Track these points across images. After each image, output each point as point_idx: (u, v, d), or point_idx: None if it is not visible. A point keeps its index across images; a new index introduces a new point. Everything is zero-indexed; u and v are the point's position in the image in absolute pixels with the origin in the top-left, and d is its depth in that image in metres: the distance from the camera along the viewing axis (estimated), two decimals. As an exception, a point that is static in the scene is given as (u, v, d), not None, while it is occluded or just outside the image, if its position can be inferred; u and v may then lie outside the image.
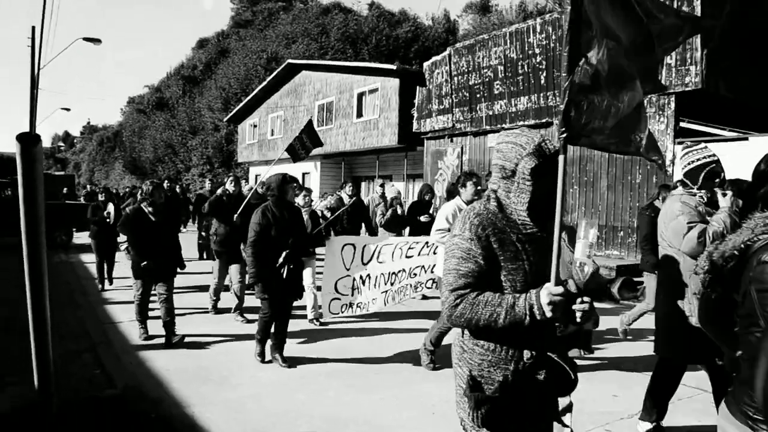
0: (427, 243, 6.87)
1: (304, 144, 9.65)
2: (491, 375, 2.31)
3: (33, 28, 22.78)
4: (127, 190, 27.42)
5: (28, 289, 2.88)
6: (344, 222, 9.63)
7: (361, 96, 23.38)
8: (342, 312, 6.62)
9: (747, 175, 8.21)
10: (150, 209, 6.79)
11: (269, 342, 6.13)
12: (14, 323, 7.59)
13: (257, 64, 38.69)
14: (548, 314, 2.14)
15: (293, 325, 6.69)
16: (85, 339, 6.89)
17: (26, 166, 2.36)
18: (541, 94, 15.45)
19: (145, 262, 6.64)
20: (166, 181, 15.22)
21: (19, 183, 2.44)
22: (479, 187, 5.81)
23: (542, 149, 2.32)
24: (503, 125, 16.57)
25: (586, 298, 2.24)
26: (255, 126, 32.58)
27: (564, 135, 2.29)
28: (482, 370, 2.33)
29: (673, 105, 12.57)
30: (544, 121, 15.38)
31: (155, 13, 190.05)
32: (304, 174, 27.32)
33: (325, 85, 25.68)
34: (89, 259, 13.10)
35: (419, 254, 6.88)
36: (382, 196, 11.08)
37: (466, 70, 17.74)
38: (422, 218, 9.32)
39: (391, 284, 6.76)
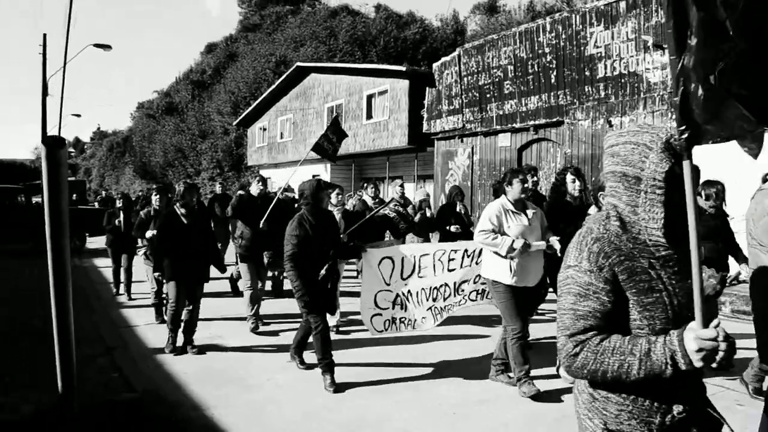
0: (466, 251, 6.38)
1: (331, 141, 9.33)
2: (633, 429, 1.90)
3: (45, 35, 22.94)
4: (140, 194, 27.48)
5: (53, 293, 2.89)
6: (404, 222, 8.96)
7: (370, 98, 23.37)
8: (386, 329, 6.06)
9: (757, 172, 8.03)
10: (183, 211, 6.58)
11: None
12: (14, 326, 7.64)
13: (266, 67, 38.75)
14: (697, 364, 1.69)
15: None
16: (100, 343, 6.90)
17: (52, 169, 2.37)
18: (552, 93, 15.39)
19: (177, 266, 6.44)
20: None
21: (44, 186, 2.45)
22: (526, 185, 5.44)
23: (673, 147, 1.92)
24: (514, 125, 16.53)
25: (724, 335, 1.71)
26: (264, 129, 32.64)
27: (685, 134, 1.84)
28: (621, 424, 1.91)
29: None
30: (554, 120, 15.32)
31: (163, 19, 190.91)
32: (313, 176, 27.29)
33: (335, 88, 25.69)
34: (103, 264, 13.17)
35: (461, 266, 6.37)
36: (402, 196, 10.81)
37: (475, 71, 17.70)
38: (452, 228, 8.76)
39: (434, 299, 6.23)
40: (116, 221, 9.92)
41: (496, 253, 5.30)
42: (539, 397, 5.12)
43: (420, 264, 6.14)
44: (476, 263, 6.38)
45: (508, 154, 16.96)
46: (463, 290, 6.40)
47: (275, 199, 8.24)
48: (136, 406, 4.80)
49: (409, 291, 6.07)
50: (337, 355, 6.37)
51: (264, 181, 8.33)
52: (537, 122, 15.81)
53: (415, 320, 6.14)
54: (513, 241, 5.17)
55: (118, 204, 10.36)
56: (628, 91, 13.56)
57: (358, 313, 6.41)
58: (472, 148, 18.10)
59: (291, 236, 5.43)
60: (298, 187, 5.91)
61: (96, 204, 19.63)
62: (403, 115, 21.17)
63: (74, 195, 24.08)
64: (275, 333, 7.55)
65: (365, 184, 10.37)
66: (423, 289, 6.14)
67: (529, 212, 5.44)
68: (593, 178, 14.02)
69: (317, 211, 5.64)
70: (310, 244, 5.47)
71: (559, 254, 5.18)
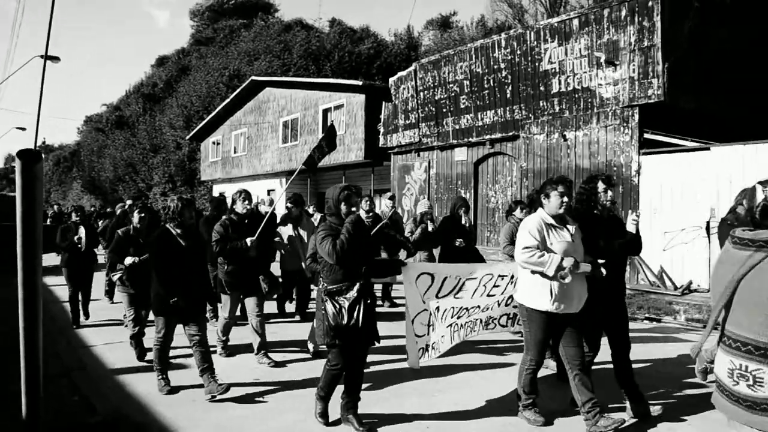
0: (513, 277, 5.49)
1: (323, 152, 8.38)
2: None
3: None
4: (93, 210, 26.71)
5: (21, 313, 2.76)
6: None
7: (326, 112, 23.35)
8: (421, 358, 5.25)
9: (710, 184, 8.29)
10: (178, 231, 5.64)
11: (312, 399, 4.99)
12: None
13: (219, 81, 38.41)
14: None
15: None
16: (57, 364, 6.66)
17: (26, 184, 2.27)
18: (507, 108, 15.63)
19: (174, 299, 5.46)
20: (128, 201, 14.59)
21: (18, 201, 2.35)
22: (565, 199, 4.68)
23: None
24: (470, 139, 16.72)
25: None
26: (218, 143, 32.29)
27: None
28: None
29: (637, 117, 12.83)
30: (510, 134, 15.55)
31: (112, 31, 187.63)
32: (269, 191, 27.12)
33: (290, 102, 25.60)
34: (54, 282, 12.74)
35: (503, 292, 5.59)
36: (393, 209, 10.01)
37: (432, 85, 17.87)
38: (457, 242, 8.02)
39: (458, 317, 5.45)
40: (75, 238, 8.97)
41: (539, 273, 4.63)
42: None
43: (462, 286, 5.38)
44: (513, 285, 5.52)
45: (464, 168, 17.12)
46: (488, 307, 5.64)
47: (267, 217, 7.44)
48: (101, 429, 4.63)
49: (437, 307, 5.31)
50: (294, 369, 6.28)
51: (249, 197, 7.12)
52: (493, 136, 16.02)
53: (439, 342, 5.36)
54: (562, 259, 4.52)
55: (74, 218, 9.39)
56: (581, 105, 13.86)
57: None
58: (429, 162, 18.22)
59: (328, 253, 4.53)
60: (326, 194, 4.92)
61: (48, 220, 18.95)
62: (359, 129, 21.20)
63: (21, 211, 23.36)
64: (239, 351, 7.39)
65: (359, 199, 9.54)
66: (452, 306, 5.40)
67: (570, 227, 4.78)
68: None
69: (343, 222, 4.70)
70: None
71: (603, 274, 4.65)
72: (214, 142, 32.74)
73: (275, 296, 9.29)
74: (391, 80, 19.88)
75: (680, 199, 11.94)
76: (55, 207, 24.08)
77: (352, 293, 4.57)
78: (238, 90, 29.49)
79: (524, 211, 7.26)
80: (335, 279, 4.61)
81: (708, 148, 11.64)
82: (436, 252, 9.10)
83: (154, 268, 5.66)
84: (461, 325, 5.53)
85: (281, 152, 26.08)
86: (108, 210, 22.69)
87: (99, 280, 10.06)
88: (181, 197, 5.86)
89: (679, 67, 12.42)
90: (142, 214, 7.24)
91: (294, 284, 9.96)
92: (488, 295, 5.53)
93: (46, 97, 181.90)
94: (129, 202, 10.41)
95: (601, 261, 4.69)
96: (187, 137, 36.12)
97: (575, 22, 13.92)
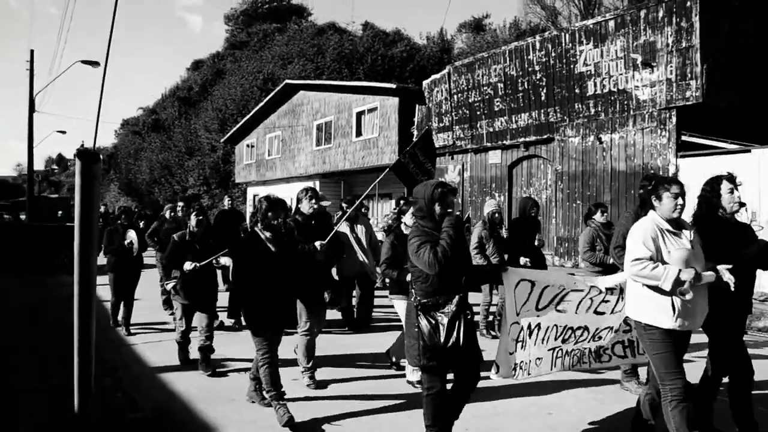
0: (623, 291, 4.62)
1: (419, 162, 6.87)
2: None
3: (32, 51, 22.84)
4: (135, 211, 26.67)
5: (76, 310, 2.87)
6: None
7: (360, 115, 23.47)
8: (512, 375, 4.49)
9: (751, 186, 8.15)
10: (268, 234, 5.02)
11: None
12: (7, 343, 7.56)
13: (253, 84, 38.81)
14: None
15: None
16: (100, 362, 6.81)
17: (85, 183, 2.36)
18: (542, 111, 15.55)
19: (263, 316, 4.86)
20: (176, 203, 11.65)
21: (77, 200, 2.44)
22: (680, 201, 4.07)
23: None
24: (504, 141, 16.67)
25: None
26: (252, 146, 32.63)
27: None
28: None
29: (674, 119, 12.68)
30: (545, 137, 15.47)
31: (147, 36, 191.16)
32: (191, 202, 27.15)
33: (324, 105, 25.78)
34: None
35: (612, 311, 4.70)
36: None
37: (465, 88, 17.86)
38: (522, 260, 7.25)
39: (563, 341, 4.63)
40: (125, 242, 8.28)
41: (653, 288, 3.98)
42: None
43: (564, 297, 4.58)
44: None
45: (498, 170, 17.07)
46: (601, 338, 4.76)
47: (343, 217, 6.85)
48: (144, 425, 4.75)
49: (537, 325, 4.50)
50: (345, 372, 6.31)
51: (317, 195, 6.35)
52: (527, 139, 15.97)
53: (531, 363, 4.54)
54: (679, 271, 3.85)
55: (122, 220, 8.69)
56: (617, 108, 13.74)
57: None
58: (463, 165, 18.21)
59: (426, 262, 3.90)
60: (413, 192, 4.34)
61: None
62: (392, 132, 21.26)
63: (60, 212, 23.84)
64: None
65: (399, 200, 8.61)
66: (556, 325, 4.58)
67: (688, 232, 4.15)
68: (587, 193, 14.14)
69: (437, 226, 4.07)
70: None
71: (732, 287, 3.96)
72: (248, 145, 33.10)
73: (340, 307, 8.56)
74: (425, 83, 19.92)
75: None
76: (102, 207, 23.41)
77: (451, 307, 3.97)
78: (272, 93, 29.79)
79: (605, 214, 6.77)
80: (430, 291, 4.02)
81: (748, 150, 11.44)
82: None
83: (239, 278, 5.14)
84: (567, 352, 4.66)
85: (315, 155, 26.26)
86: (146, 212, 22.79)
87: (143, 284, 9.66)
88: (267, 196, 5.17)
89: (717, 67, 12.24)
90: (200, 217, 6.59)
91: (352, 291, 9.17)
92: (596, 312, 4.67)
93: (84, 101, 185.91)
94: (180, 204, 9.83)
95: (726, 267, 4.01)
96: (222, 140, 36.59)
97: (611, 23, 13.80)
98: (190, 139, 43.04)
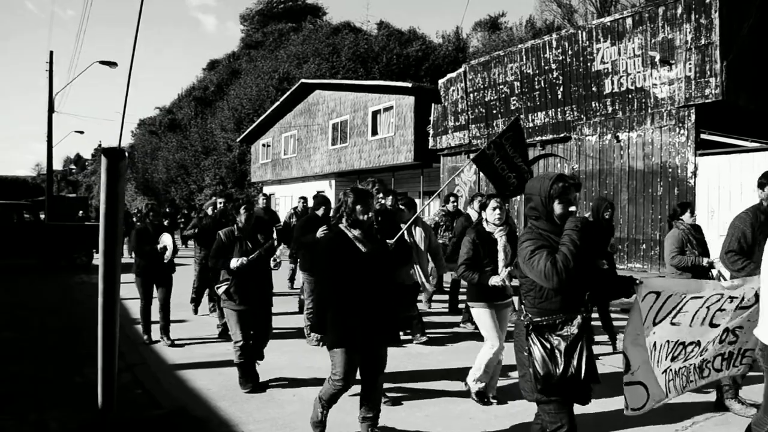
0: (743, 298, 4.04)
1: (506, 156, 5.92)
2: None
3: (51, 53, 23.06)
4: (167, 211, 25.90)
5: (101, 306, 2.90)
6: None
7: (375, 114, 23.49)
8: (641, 407, 3.71)
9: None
10: (356, 233, 4.29)
11: None
12: (24, 342, 7.65)
13: (269, 84, 39.00)
14: None
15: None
16: (119, 360, 6.87)
17: (111, 180, 2.38)
18: (559, 109, 15.48)
19: (348, 328, 4.15)
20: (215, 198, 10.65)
21: (102, 197, 2.46)
22: None
23: None
24: (521, 140, 16.59)
25: None
26: (268, 146, 32.78)
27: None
28: None
29: (693, 117, 12.58)
30: (561, 135, 15.39)
31: (162, 36, 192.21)
32: (318, 192, 27.40)
33: (339, 104, 25.83)
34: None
35: (729, 321, 4.08)
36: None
37: (481, 87, 17.81)
38: (602, 264, 6.45)
39: (673, 358, 3.89)
40: (159, 247, 7.49)
41: None
42: None
43: (683, 307, 3.86)
44: (748, 320, 4.10)
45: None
46: (706, 350, 4.06)
47: (418, 212, 6.37)
48: (165, 422, 4.79)
49: (653, 343, 3.76)
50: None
51: (385, 188, 5.87)
52: (544, 138, 15.89)
53: (654, 388, 3.79)
54: None
55: (151, 219, 7.81)
56: (635, 106, 13.64)
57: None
58: (479, 164, 18.15)
59: (557, 269, 3.12)
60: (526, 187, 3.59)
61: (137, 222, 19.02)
62: (408, 131, 21.27)
63: (80, 211, 24.05)
64: (292, 351, 7.51)
65: (449, 197, 7.88)
66: (668, 341, 3.85)
67: None
68: (604, 191, 14.06)
69: (557, 228, 3.35)
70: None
71: None
72: (264, 144, 33.26)
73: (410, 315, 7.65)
74: (441, 82, 19.90)
75: (738, 200, 11.63)
76: (141, 207, 22.63)
77: (571, 330, 3.26)
78: (288, 93, 29.91)
79: (693, 215, 6.16)
80: (546, 308, 3.31)
81: (768, 149, 11.34)
82: None
83: (322, 282, 4.38)
84: (676, 372, 3.92)
85: (331, 154, 26.32)
86: (167, 209, 22.58)
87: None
88: (354, 188, 4.52)
89: (737, 65, 12.12)
90: (250, 212, 5.89)
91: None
92: (711, 325, 4.01)
93: (102, 101, 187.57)
94: (220, 200, 9.23)
95: None
96: (238, 140, 36.80)
97: (629, 21, 13.71)
98: (206, 138, 43.32)
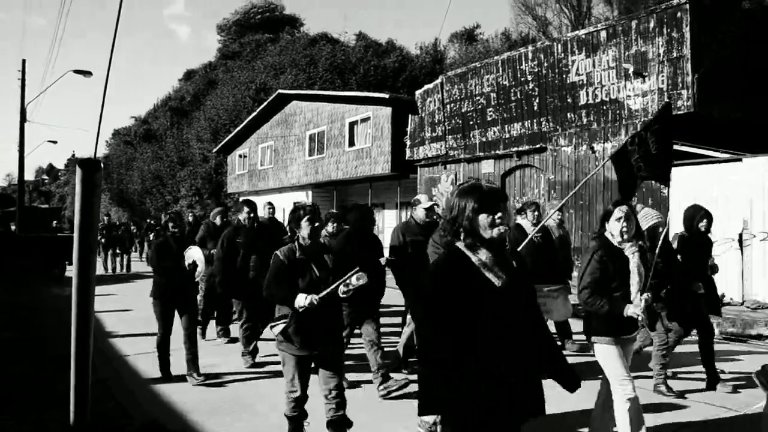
0: None
1: (647, 155, 4.87)
2: None
3: (24, 61, 22.77)
4: (148, 222, 25.28)
5: (74, 317, 2.85)
6: None
7: (353, 125, 23.52)
8: None
9: (742, 195, 8.18)
10: (483, 257, 2.63)
11: None
12: (22, 346, 7.50)
13: (246, 94, 38.84)
14: None
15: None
16: (93, 372, 6.75)
17: (86, 192, 2.34)
18: (534, 120, 15.61)
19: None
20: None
21: (77, 208, 2.42)
22: None
23: None
24: (497, 151, 16.71)
25: None
26: (244, 156, 32.64)
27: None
28: None
29: (666, 129, 12.73)
30: (537, 146, 15.52)
31: (137, 46, 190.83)
32: (295, 204, 27.27)
33: (316, 115, 25.82)
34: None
35: None
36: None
37: (458, 98, 17.92)
38: (696, 288, 5.80)
39: None
40: (188, 263, 6.29)
41: None
42: None
43: None
44: None
45: (491, 180, 17.10)
46: None
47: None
48: (138, 436, 4.71)
49: None
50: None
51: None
52: (520, 149, 16.01)
53: None
54: None
55: (172, 229, 6.62)
56: (610, 117, 13.81)
57: None
58: (456, 175, 18.23)
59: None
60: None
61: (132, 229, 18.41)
62: (386, 142, 21.31)
63: (54, 222, 23.69)
64: (266, 363, 7.43)
65: (524, 206, 6.95)
66: None
67: None
68: (579, 202, 14.18)
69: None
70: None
71: None
72: (240, 155, 33.10)
73: None
74: (418, 93, 19.98)
75: (712, 211, 11.80)
76: (105, 218, 20.78)
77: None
78: (264, 103, 29.83)
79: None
80: None
81: (740, 159, 11.52)
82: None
83: (435, 334, 2.59)
84: None
85: (308, 165, 26.27)
86: (150, 221, 22.01)
87: (137, 295, 9.59)
88: (475, 185, 2.74)
89: (708, 77, 12.33)
90: (315, 225, 4.52)
91: None
92: None
93: (76, 109, 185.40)
94: (246, 209, 7.59)
95: None
96: (214, 150, 36.57)
97: (603, 33, 13.90)
98: (182, 149, 42.99)
